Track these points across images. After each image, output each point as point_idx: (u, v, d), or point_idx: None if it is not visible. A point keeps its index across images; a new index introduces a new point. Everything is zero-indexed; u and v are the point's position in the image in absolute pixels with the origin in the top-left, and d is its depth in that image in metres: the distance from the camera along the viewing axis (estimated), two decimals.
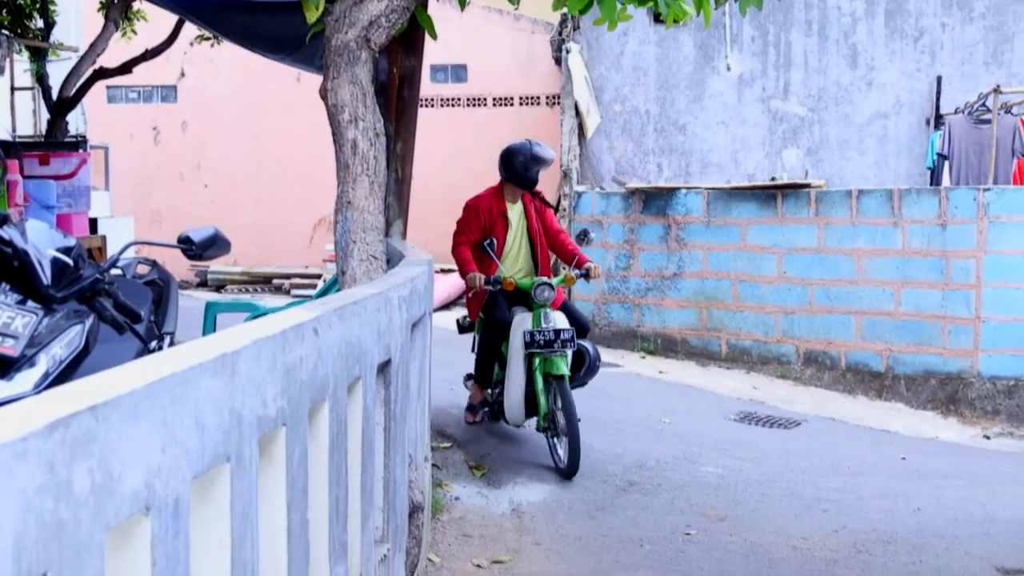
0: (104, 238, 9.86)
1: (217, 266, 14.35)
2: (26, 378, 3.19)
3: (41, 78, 10.58)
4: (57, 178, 9.17)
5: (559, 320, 5.71)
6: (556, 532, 4.80)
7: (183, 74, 15.07)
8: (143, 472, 1.25)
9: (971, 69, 11.12)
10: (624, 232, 10.04)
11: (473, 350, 6.47)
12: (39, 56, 10.64)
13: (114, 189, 12.95)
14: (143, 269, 4.94)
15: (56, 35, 11.21)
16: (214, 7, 6.29)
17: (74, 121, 11.75)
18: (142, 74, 12.31)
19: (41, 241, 3.50)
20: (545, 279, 5.83)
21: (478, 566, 4.32)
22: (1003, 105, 9.72)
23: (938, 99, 11.14)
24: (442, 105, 14.58)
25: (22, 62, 11.60)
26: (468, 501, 5.17)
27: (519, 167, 6.03)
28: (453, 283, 11.92)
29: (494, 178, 6.29)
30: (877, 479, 5.99)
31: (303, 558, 1.97)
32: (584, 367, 5.88)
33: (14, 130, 11.12)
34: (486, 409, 6.42)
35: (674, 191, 9.80)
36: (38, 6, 10.54)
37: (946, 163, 10.25)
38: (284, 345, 1.79)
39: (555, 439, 5.72)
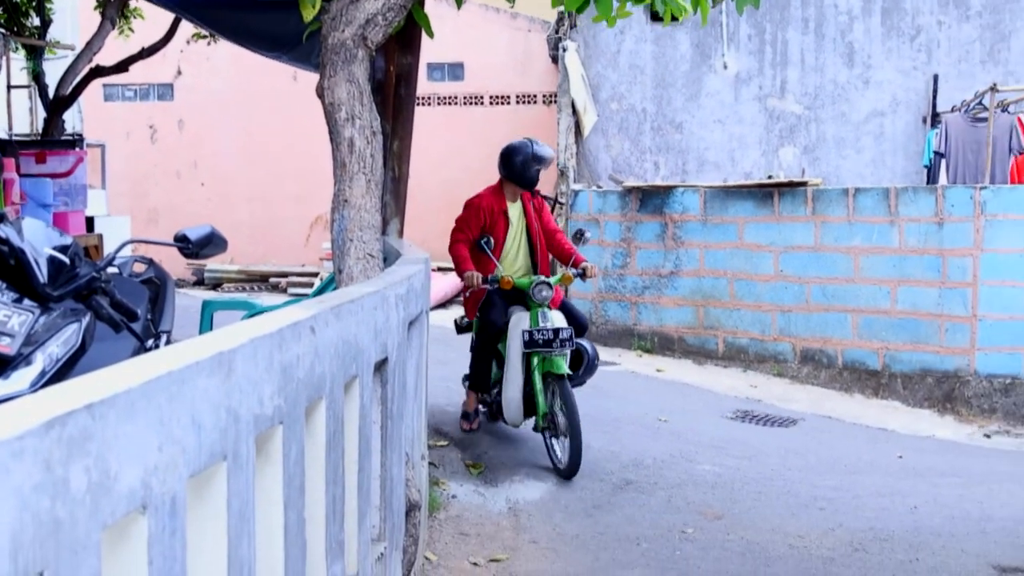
0: (100, 236, 9.85)
1: (214, 264, 14.33)
2: (22, 376, 3.18)
3: (37, 76, 10.56)
4: (53, 176, 9.16)
5: (557, 319, 5.69)
6: (553, 530, 4.80)
7: (180, 72, 15.06)
8: (140, 471, 1.25)
9: (968, 67, 11.14)
10: (621, 230, 10.04)
11: (472, 349, 6.46)
12: (35, 54, 10.63)
13: (111, 187, 12.92)
14: (139, 267, 4.94)
15: (52, 33, 11.21)
16: (211, 5, 6.27)
17: (70, 119, 11.74)
18: (138, 72, 12.29)
19: (37, 239, 3.50)
20: (543, 278, 5.81)
21: (475, 564, 4.32)
22: (1000, 103, 9.73)
23: (935, 97, 11.15)
24: (439, 103, 14.57)
25: (18, 60, 11.58)
26: (465, 499, 5.17)
27: (519, 166, 6.00)
28: (450, 282, 11.92)
29: (491, 176, 6.28)
30: (874, 477, 5.99)
31: (300, 556, 1.97)
32: (583, 366, 5.85)
33: (10, 128, 11.10)
34: (485, 410, 6.41)
35: (671, 189, 9.80)
36: (34, 4, 10.52)
37: (943, 161, 10.26)
38: (281, 344, 1.79)
39: (553, 439, 5.70)
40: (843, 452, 6.65)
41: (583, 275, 6.01)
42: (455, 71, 14.62)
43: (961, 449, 7.16)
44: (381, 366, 2.75)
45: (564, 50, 11.26)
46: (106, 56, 10.23)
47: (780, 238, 9.11)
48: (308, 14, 3.98)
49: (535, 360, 5.68)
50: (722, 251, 9.45)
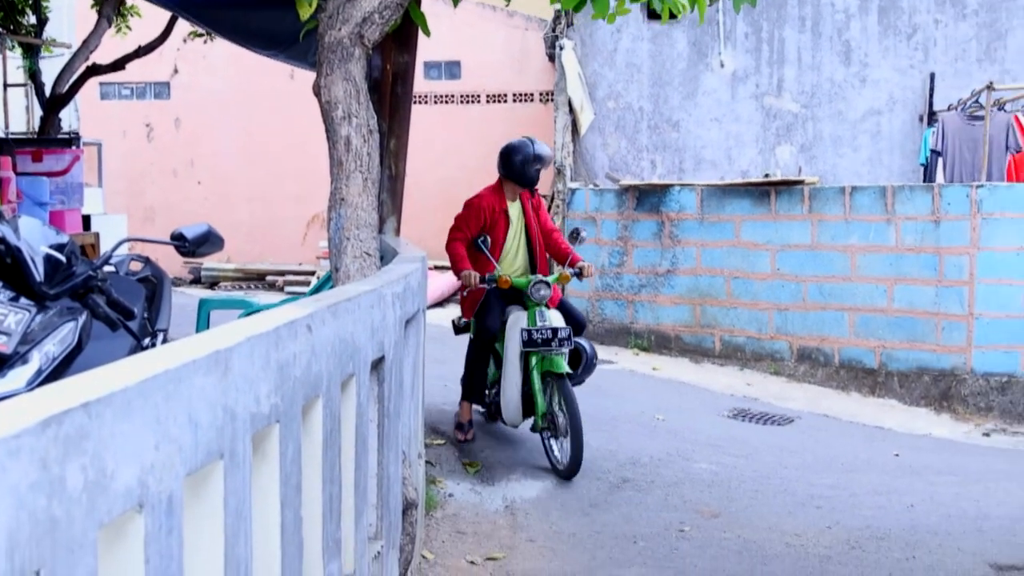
0: (97, 235, 9.85)
1: (210, 263, 14.33)
2: (19, 375, 3.18)
3: (34, 75, 10.56)
4: (50, 175, 9.16)
5: (555, 318, 5.69)
6: (550, 529, 4.80)
7: (176, 71, 15.05)
8: (136, 469, 1.25)
9: (964, 66, 11.15)
10: (618, 229, 10.04)
11: (467, 356, 6.44)
12: (32, 52, 10.62)
13: (107, 186, 12.92)
14: (136, 266, 4.93)
15: (49, 31, 11.20)
16: (207, 3, 6.26)
17: (67, 118, 11.73)
18: (135, 71, 12.29)
19: (34, 238, 3.50)
20: (541, 277, 5.80)
21: (472, 563, 4.32)
22: (996, 102, 9.75)
23: (931, 96, 11.17)
24: (436, 102, 14.57)
25: (15, 59, 11.58)
26: (462, 498, 5.17)
27: (519, 165, 5.99)
28: (447, 280, 11.91)
29: (488, 174, 6.27)
30: (870, 475, 6.00)
31: (297, 555, 1.97)
32: (581, 365, 5.83)
33: (7, 127, 11.10)
34: (483, 411, 6.41)
35: (668, 188, 9.81)
36: (31, 2, 10.51)
37: (939, 160, 10.26)
38: (278, 342, 1.78)
39: (552, 439, 5.68)
40: (840, 450, 6.66)
41: (580, 274, 6.00)
42: (452, 69, 14.62)
43: (958, 447, 7.16)
44: (378, 365, 2.75)
45: (561, 48, 11.26)
46: (103, 54, 10.22)
47: (777, 236, 9.11)
48: (305, 12, 3.97)
49: (534, 359, 5.68)
50: (719, 249, 9.46)
